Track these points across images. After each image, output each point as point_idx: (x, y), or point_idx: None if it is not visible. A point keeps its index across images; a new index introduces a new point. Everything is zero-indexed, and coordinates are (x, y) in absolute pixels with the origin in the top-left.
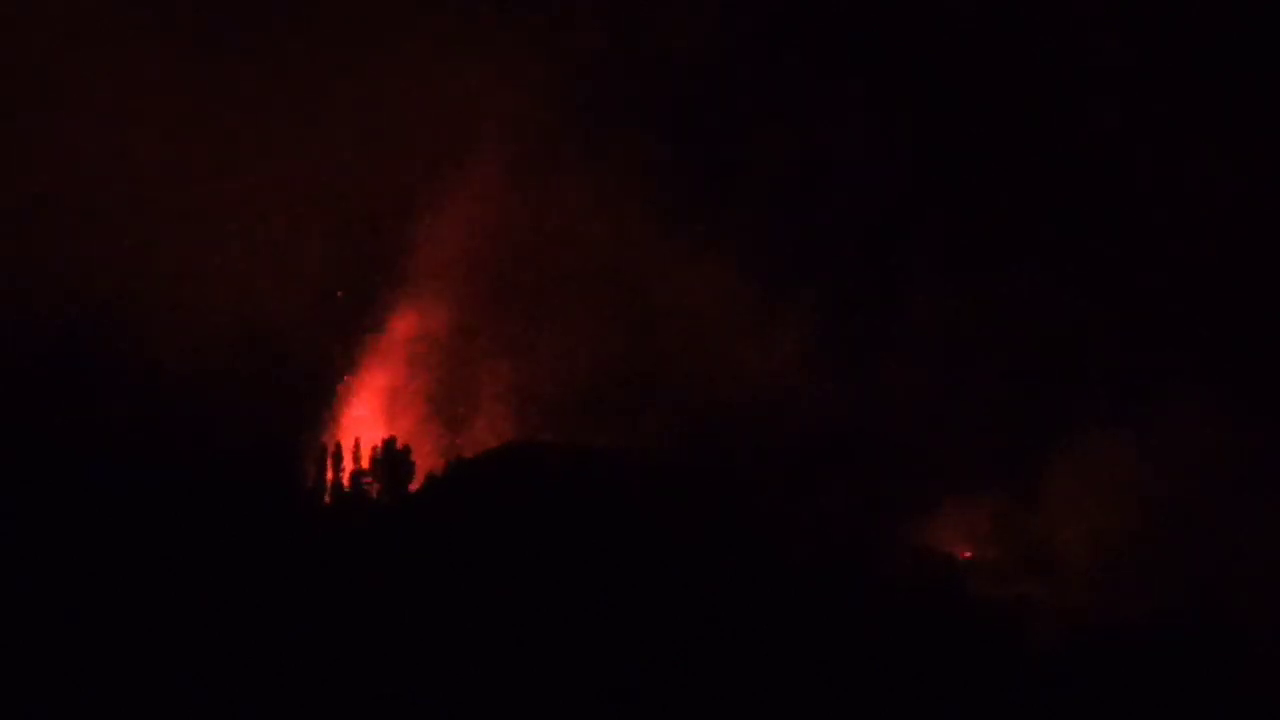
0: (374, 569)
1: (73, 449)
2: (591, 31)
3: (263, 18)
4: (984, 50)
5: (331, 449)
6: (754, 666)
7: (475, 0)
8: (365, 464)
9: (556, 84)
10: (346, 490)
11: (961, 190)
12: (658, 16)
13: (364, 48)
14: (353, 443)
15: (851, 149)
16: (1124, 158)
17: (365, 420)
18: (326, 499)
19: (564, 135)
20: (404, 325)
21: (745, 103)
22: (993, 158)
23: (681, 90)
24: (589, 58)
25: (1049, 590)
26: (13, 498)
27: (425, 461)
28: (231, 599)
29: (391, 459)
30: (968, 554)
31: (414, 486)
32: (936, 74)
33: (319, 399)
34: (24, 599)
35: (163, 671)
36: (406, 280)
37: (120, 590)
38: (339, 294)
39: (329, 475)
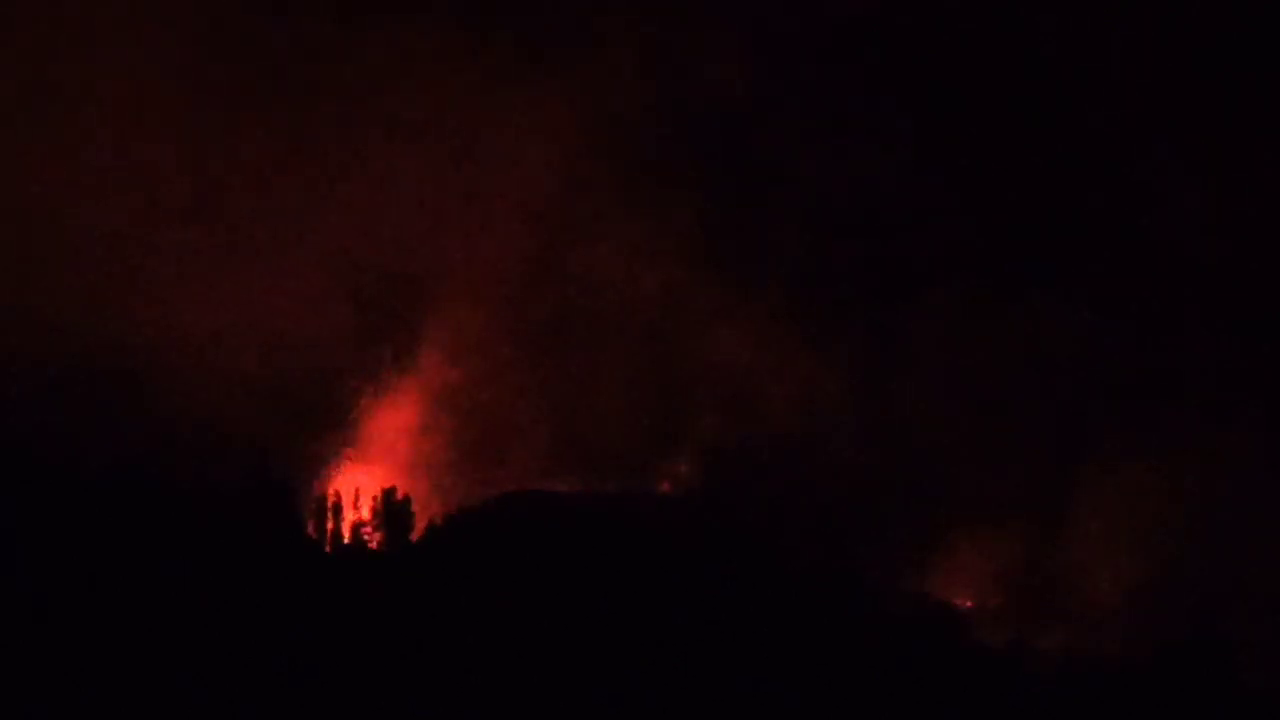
0: (373, 620)
1: (69, 475)
2: (626, 79)
3: (298, 44)
4: (1024, 85)
5: (332, 498)
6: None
7: (512, 44)
8: (366, 514)
9: (592, 130)
10: (346, 541)
11: (988, 209)
12: (697, 62)
13: (400, 87)
14: (353, 492)
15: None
16: (1158, 176)
17: (369, 468)
18: (327, 549)
19: (598, 182)
20: (415, 371)
21: (782, 146)
22: (1022, 177)
23: (719, 134)
24: (624, 104)
25: (1054, 636)
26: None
27: (429, 511)
28: (230, 644)
29: (391, 509)
30: (969, 603)
31: (416, 536)
32: (983, 113)
33: (321, 446)
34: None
35: None
36: (421, 327)
37: (111, 634)
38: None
39: (329, 525)
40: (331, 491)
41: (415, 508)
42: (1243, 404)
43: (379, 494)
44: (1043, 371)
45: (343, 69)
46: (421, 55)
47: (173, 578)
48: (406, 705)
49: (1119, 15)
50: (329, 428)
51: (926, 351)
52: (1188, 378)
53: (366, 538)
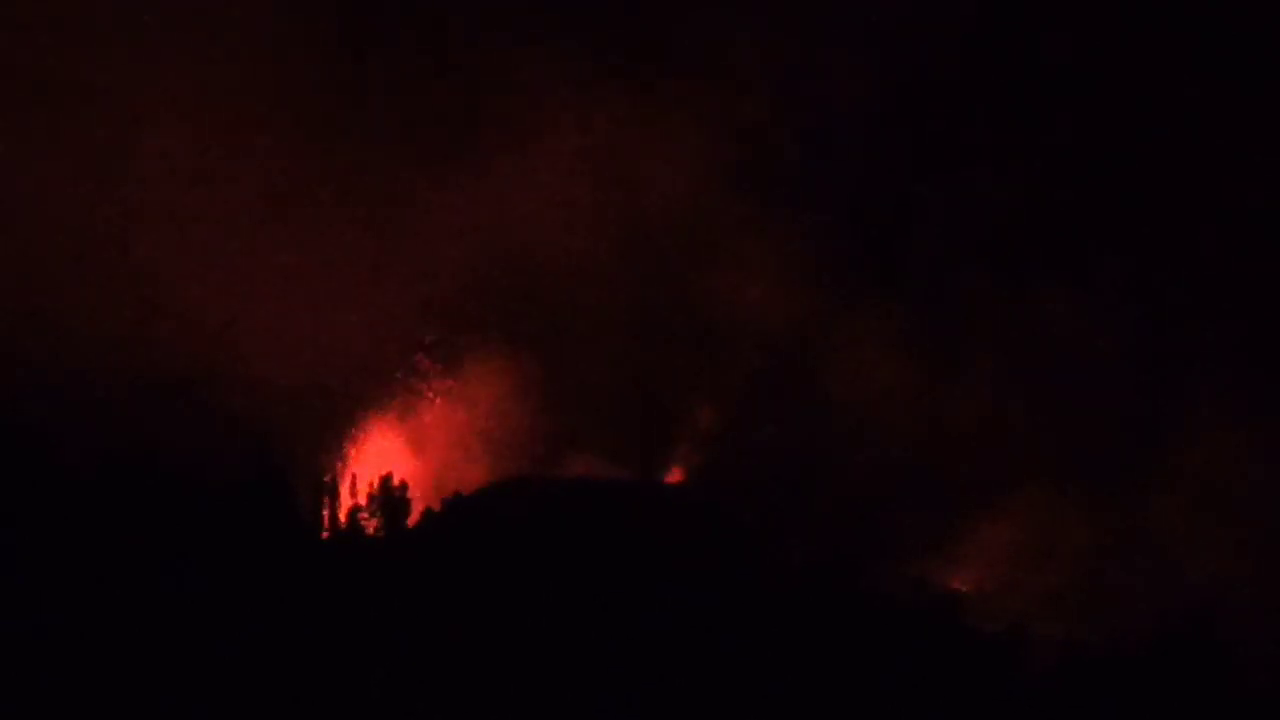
0: (366, 606)
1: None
2: (754, 98)
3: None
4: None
5: (328, 483)
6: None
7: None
8: (363, 500)
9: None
10: (343, 527)
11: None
12: (822, 83)
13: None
14: (350, 477)
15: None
16: (1206, 160)
17: (368, 454)
18: (324, 534)
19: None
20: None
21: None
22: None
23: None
24: (748, 125)
25: (1049, 621)
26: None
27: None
28: (222, 629)
29: (388, 495)
30: (967, 588)
31: (413, 522)
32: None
33: (320, 432)
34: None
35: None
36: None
37: (104, 620)
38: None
39: (325, 510)
40: (329, 477)
41: (413, 494)
42: (1259, 397)
43: (377, 480)
44: (1058, 360)
45: (462, 76)
46: (541, 62)
47: (165, 560)
48: (397, 690)
49: None
50: (332, 416)
51: (949, 342)
52: (1206, 369)
53: (363, 523)
